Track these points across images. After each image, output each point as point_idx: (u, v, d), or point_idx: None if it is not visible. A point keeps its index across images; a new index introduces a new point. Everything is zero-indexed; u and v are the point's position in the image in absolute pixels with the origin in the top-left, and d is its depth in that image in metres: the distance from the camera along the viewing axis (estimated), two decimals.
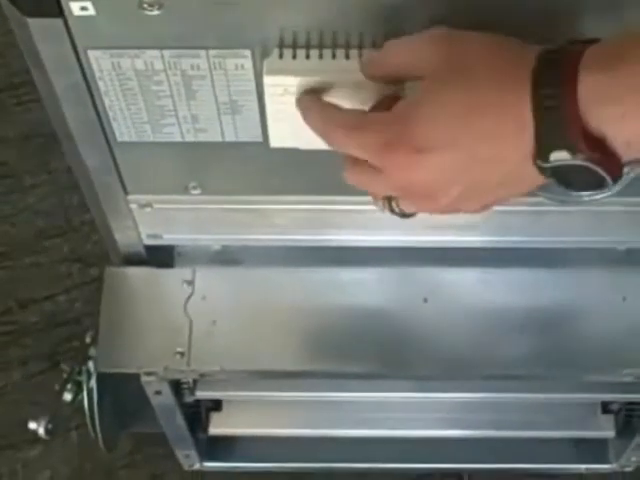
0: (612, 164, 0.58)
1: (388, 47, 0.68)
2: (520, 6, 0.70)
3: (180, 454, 1.35)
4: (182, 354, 1.01)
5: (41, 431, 1.04)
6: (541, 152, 0.59)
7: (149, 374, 1.03)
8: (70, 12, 0.70)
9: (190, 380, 1.14)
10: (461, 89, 0.61)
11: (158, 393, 1.09)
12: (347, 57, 0.73)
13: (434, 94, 0.63)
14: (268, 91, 0.74)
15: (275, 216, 0.96)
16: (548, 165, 0.59)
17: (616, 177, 0.59)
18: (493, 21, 0.67)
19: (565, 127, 0.57)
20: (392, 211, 0.71)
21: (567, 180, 0.60)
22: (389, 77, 0.69)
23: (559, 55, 0.59)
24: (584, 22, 0.71)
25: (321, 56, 0.73)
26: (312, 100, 0.72)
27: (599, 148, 0.57)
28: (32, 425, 1.05)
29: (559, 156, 0.58)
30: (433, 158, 0.63)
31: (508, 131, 0.60)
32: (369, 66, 0.70)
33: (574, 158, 0.58)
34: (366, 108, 0.73)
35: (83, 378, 1.09)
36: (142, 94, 0.79)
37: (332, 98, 0.74)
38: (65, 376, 1.09)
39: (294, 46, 0.73)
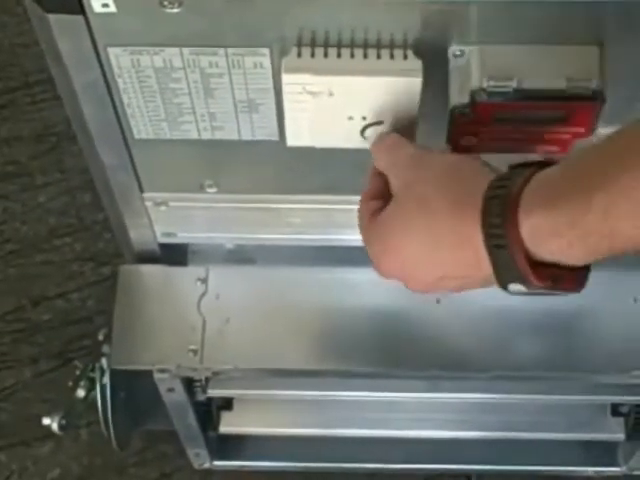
0: (571, 281, 0.61)
1: (377, 152, 0.75)
2: None
3: (190, 452, 1.35)
4: (195, 352, 1.01)
5: (55, 427, 1.05)
6: (500, 282, 0.63)
7: (162, 371, 1.03)
8: (91, 9, 0.71)
9: (202, 378, 1.15)
10: (422, 221, 0.67)
11: (171, 390, 1.09)
12: (365, 56, 0.73)
13: (401, 221, 0.68)
14: (286, 89, 0.74)
15: (289, 215, 0.97)
16: (510, 291, 0.63)
17: (580, 287, 0.62)
18: None
19: (515, 264, 0.60)
20: None
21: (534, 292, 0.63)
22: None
23: (503, 192, 0.61)
24: None
25: (339, 55, 0.73)
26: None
27: (553, 276, 0.60)
28: (46, 421, 1.05)
29: (516, 287, 0.62)
30: (402, 278, 0.71)
31: (469, 260, 0.64)
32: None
33: (530, 288, 0.61)
34: (382, 106, 0.74)
35: (96, 375, 1.09)
36: (160, 92, 0.80)
37: (350, 97, 0.74)
38: (78, 373, 1.10)
39: (312, 45, 0.74)
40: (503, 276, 0.62)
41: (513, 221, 0.59)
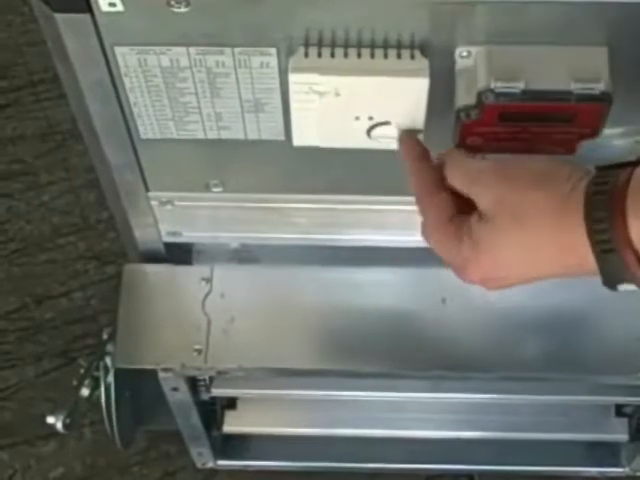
0: None
1: (448, 171, 0.72)
2: None
3: (194, 452, 1.36)
4: (199, 351, 1.01)
5: (59, 425, 1.05)
6: (608, 283, 0.62)
7: (166, 370, 1.03)
8: (98, 8, 0.71)
9: (206, 377, 1.15)
10: (520, 234, 0.66)
11: (175, 390, 1.09)
12: (372, 56, 0.73)
13: (494, 241, 0.67)
14: (293, 89, 0.74)
15: (294, 215, 0.97)
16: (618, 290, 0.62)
17: None
18: None
19: (626, 267, 0.60)
20: None
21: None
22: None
23: (605, 198, 0.61)
24: None
25: (346, 55, 0.73)
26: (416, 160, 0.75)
27: None
28: (50, 419, 1.05)
29: (626, 287, 0.61)
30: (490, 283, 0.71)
31: (572, 265, 0.64)
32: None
33: None
34: (389, 106, 0.74)
35: (101, 374, 1.09)
36: (167, 91, 0.80)
37: (356, 97, 0.74)
38: (82, 371, 1.10)
39: (319, 45, 0.73)
40: (612, 279, 0.62)
41: (622, 225, 0.59)
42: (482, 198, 0.69)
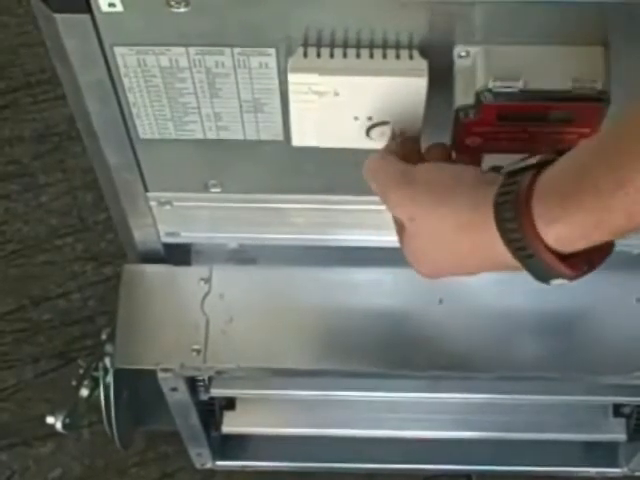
0: (602, 255, 0.63)
1: (370, 170, 0.75)
2: None
3: (192, 452, 1.36)
4: (198, 351, 1.02)
5: (58, 425, 1.05)
6: (541, 282, 0.63)
7: (166, 370, 1.03)
8: (98, 8, 0.71)
9: (205, 378, 1.15)
10: (442, 253, 0.69)
11: (174, 390, 1.09)
12: (371, 56, 0.73)
13: (415, 252, 0.72)
14: (292, 89, 0.74)
15: (293, 215, 0.97)
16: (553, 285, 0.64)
17: (611, 251, 0.64)
18: None
19: (550, 268, 0.61)
20: None
21: None
22: None
23: (512, 206, 0.62)
24: None
25: (345, 55, 0.73)
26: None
27: (587, 261, 0.62)
28: (50, 420, 1.06)
29: (559, 282, 0.63)
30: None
31: (501, 267, 0.65)
32: None
33: (573, 278, 0.62)
34: (388, 106, 0.75)
35: (100, 374, 1.10)
36: (166, 91, 0.80)
37: (355, 97, 0.75)
38: (81, 372, 1.10)
39: (318, 45, 0.74)
40: (543, 277, 0.63)
41: (532, 231, 0.60)
42: (396, 212, 0.72)
